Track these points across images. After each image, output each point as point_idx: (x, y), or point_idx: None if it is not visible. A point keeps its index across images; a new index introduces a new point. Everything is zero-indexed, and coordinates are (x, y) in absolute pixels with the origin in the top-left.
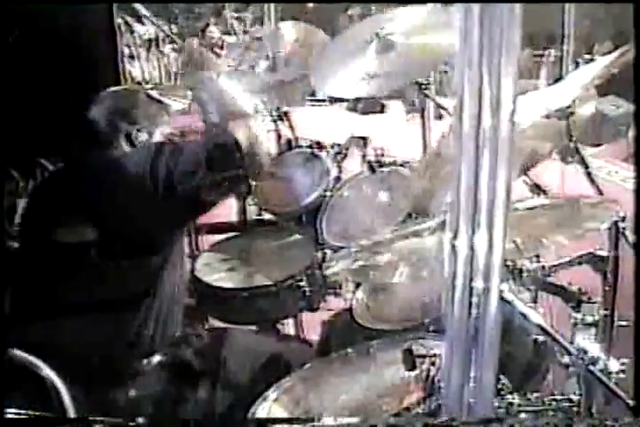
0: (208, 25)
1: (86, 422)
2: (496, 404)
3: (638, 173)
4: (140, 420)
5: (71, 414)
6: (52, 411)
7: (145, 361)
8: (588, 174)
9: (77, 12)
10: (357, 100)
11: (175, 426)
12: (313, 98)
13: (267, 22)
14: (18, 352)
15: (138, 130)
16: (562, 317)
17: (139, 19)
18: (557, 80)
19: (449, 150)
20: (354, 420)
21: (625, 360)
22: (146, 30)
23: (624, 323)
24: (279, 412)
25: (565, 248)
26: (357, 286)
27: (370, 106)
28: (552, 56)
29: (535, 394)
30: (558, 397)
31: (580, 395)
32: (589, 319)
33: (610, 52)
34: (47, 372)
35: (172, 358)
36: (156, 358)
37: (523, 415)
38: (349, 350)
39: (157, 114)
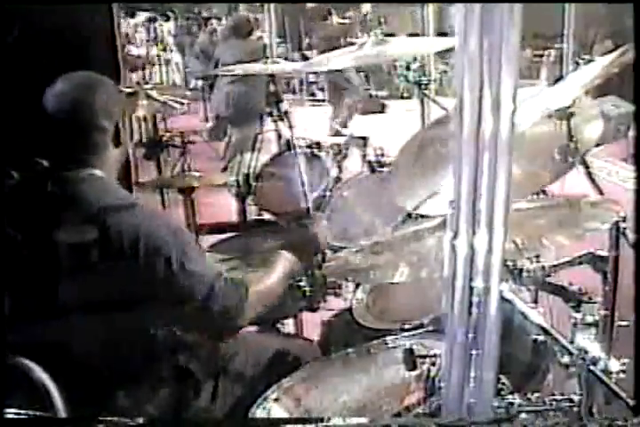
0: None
1: (87, 423)
2: (496, 404)
3: (638, 173)
4: (141, 420)
5: (62, 415)
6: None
7: (146, 363)
8: (589, 174)
9: (77, 12)
10: (357, 100)
11: (176, 426)
12: (313, 98)
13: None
14: (11, 354)
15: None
16: (562, 317)
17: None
18: (557, 80)
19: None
20: (363, 420)
21: (625, 360)
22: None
23: (624, 323)
24: (279, 412)
25: (565, 248)
26: (357, 286)
27: (370, 106)
28: (552, 56)
29: (535, 394)
30: (558, 397)
31: (581, 395)
32: (589, 319)
33: (610, 52)
34: (39, 374)
35: (173, 361)
36: (157, 360)
37: (523, 415)
38: (349, 350)
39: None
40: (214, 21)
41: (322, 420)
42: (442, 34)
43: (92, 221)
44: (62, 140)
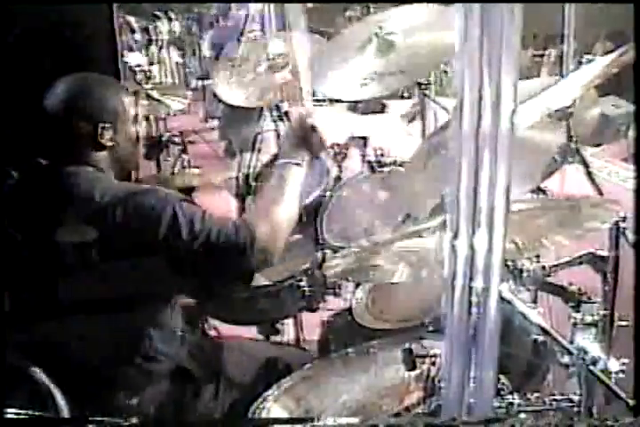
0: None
1: (85, 423)
2: (496, 404)
3: (638, 173)
4: (140, 420)
5: (65, 415)
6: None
7: (145, 364)
8: (589, 174)
9: (77, 12)
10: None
11: (171, 426)
12: (313, 98)
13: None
14: (12, 354)
15: (103, 128)
16: (562, 317)
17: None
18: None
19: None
20: (354, 420)
21: (625, 360)
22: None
23: (624, 323)
24: (279, 412)
25: (565, 248)
26: (357, 286)
27: (370, 106)
28: (552, 56)
29: (535, 394)
30: (558, 397)
31: (581, 395)
32: (589, 319)
33: (610, 52)
34: (40, 375)
35: (173, 362)
36: (156, 361)
37: (523, 415)
38: (349, 350)
39: (124, 105)
40: (220, 18)
41: (312, 420)
42: None
43: (86, 213)
44: (51, 138)
